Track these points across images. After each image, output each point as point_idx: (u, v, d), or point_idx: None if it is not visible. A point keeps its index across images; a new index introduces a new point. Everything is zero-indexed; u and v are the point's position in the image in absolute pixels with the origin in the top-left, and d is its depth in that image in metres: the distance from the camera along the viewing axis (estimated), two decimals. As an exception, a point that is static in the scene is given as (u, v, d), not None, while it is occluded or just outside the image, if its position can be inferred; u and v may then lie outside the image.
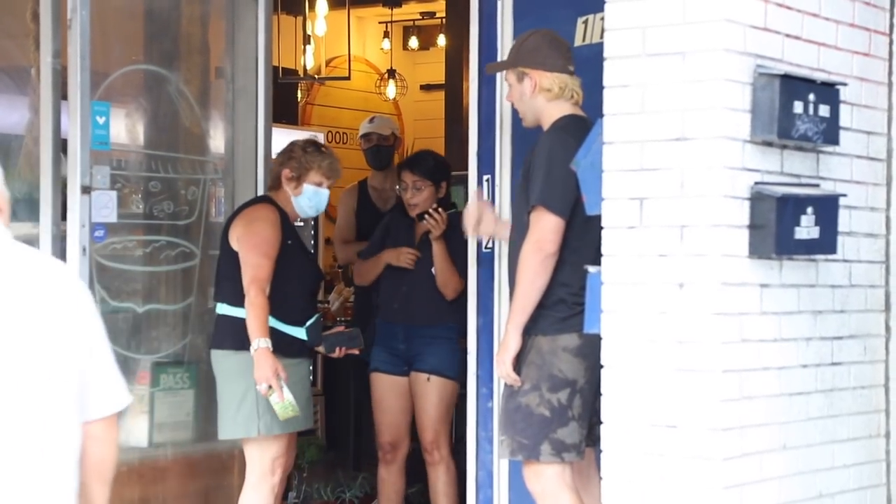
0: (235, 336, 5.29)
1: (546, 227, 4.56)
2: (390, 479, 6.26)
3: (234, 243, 5.37)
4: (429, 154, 6.47)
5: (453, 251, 5.98)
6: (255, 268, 5.26)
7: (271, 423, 5.27)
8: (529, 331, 4.65)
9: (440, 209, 6.01)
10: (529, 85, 4.74)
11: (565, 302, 4.62)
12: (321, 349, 5.63)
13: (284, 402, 5.19)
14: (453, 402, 6.23)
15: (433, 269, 6.07)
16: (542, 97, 4.75)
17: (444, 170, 6.24)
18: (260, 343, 5.17)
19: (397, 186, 6.27)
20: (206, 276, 5.85)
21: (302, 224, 8.58)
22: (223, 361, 5.36)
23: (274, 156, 5.79)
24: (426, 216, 6.00)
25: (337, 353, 5.66)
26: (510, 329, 4.65)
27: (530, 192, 4.62)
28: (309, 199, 5.48)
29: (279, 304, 5.33)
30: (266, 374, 5.16)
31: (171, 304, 5.89)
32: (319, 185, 5.48)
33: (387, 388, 6.19)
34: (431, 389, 6.05)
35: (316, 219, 9.59)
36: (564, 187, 4.56)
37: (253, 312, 5.20)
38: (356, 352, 5.74)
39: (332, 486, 7.17)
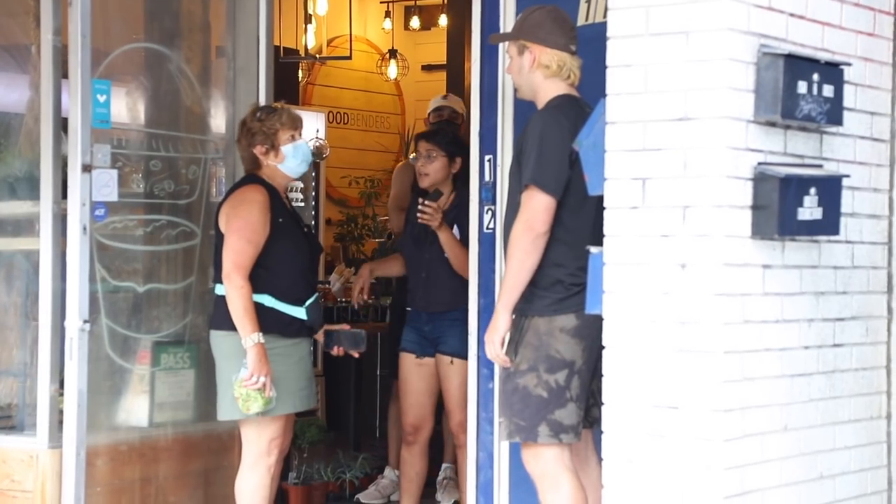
0: (235, 317, 5.28)
1: (537, 207, 4.55)
2: (412, 461, 6.28)
3: (223, 226, 5.35)
4: (448, 128, 6.69)
5: (467, 228, 5.98)
6: (239, 253, 5.24)
7: (273, 403, 5.27)
8: (526, 312, 4.64)
9: (425, 200, 6.02)
10: (529, 59, 4.73)
11: (562, 283, 4.61)
12: (320, 337, 5.60)
13: (269, 397, 5.21)
14: None
15: (447, 255, 6.07)
16: (539, 73, 4.73)
17: (459, 145, 6.23)
18: (255, 339, 5.19)
19: (412, 156, 6.30)
20: (206, 256, 5.84)
21: (304, 204, 8.59)
22: (222, 342, 5.35)
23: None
24: (418, 212, 6.02)
25: (335, 352, 5.65)
26: (499, 309, 4.64)
27: (523, 171, 4.61)
28: (294, 157, 5.44)
29: (277, 283, 5.31)
30: (266, 368, 5.18)
31: (172, 284, 5.88)
32: (293, 139, 5.46)
33: (413, 368, 6.22)
34: (455, 372, 6.02)
35: (316, 199, 9.58)
36: (557, 167, 4.55)
37: (241, 303, 5.19)
38: (355, 354, 5.72)
39: (332, 466, 7.17)
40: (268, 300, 5.30)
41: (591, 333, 4.52)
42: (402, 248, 6.41)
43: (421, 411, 6.22)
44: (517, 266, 4.58)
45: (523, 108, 5.26)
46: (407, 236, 6.32)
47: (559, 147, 4.54)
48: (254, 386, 5.18)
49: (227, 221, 5.33)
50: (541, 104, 4.75)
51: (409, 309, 6.31)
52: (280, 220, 5.39)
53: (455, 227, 6.06)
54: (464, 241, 5.91)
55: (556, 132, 4.57)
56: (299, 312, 5.38)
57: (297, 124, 5.49)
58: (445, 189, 6.16)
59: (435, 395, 6.28)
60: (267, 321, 5.26)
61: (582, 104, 4.68)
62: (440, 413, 6.92)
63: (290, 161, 5.43)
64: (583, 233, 4.56)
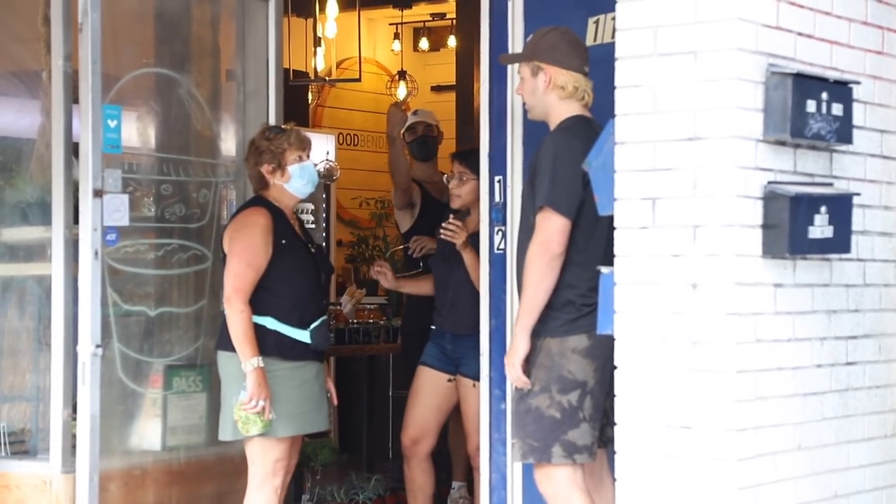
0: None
1: (552, 228, 4.56)
2: (411, 475, 6.29)
3: (226, 249, 5.37)
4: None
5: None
6: (239, 277, 5.25)
7: (273, 426, 5.27)
8: (538, 333, 4.64)
9: (452, 218, 6.01)
10: (544, 80, 4.74)
11: (573, 303, 4.62)
12: None
13: (268, 420, 5.20)
14: None
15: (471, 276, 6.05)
16: (555, 94, 4.75)
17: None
18: (255, 363, 5.19)
19: (444, 176, 6.29)
20: (217, 279, 5.84)
21: (314, 226, 8.58)
22: (227, 363, 5.34)
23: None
24: (440, 232, 6.00)
25: None
26: (518, 332, 4.64)
27: (536, 192, 4.63)
28: (300, 178, 5.45)
29: (280, 305, 5.30)
30: (265, 392, 5.18)
31: (184, 308, 5.88)
32: (300, 160, 5.46)
33: (428, 383, 6.23)
34: (475, 395, 5.96)
35: (327, 221, 9.58)
36: (570, 188, 4.56)
37: (241, 327, 5.20)
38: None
39: (345, 488, 7.16)
40: (270, 322, 5.30)
41: (603, 353, 4.52)
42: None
43: (424, 426, 6.22)
44: (534, 288, 4.58)
45: (533, 128, 5.27)
46: (437, 254, 6.32)
47: (572, 168, 4.55)
48: (253, 410, 5.19)
49: (230, 245, 5.35)
50: (553, 125, 4.76)
51: (433, 327, 6.32)
52: (283, 241, 5.38)
53: None
54: None
55: (568, 153, 4.58)
56: (303, 335, 5.37)
57: (305, 145, 5.50)
58: (477, 211, 5.94)
59: (443, 414, 6.27)
60: (268, 343, 5.26)
61: (594, 125, 4.68)
62: (446, 432, 6.89)
63: (296, 181, 5.44)
64: (594, 254, 4.57)
